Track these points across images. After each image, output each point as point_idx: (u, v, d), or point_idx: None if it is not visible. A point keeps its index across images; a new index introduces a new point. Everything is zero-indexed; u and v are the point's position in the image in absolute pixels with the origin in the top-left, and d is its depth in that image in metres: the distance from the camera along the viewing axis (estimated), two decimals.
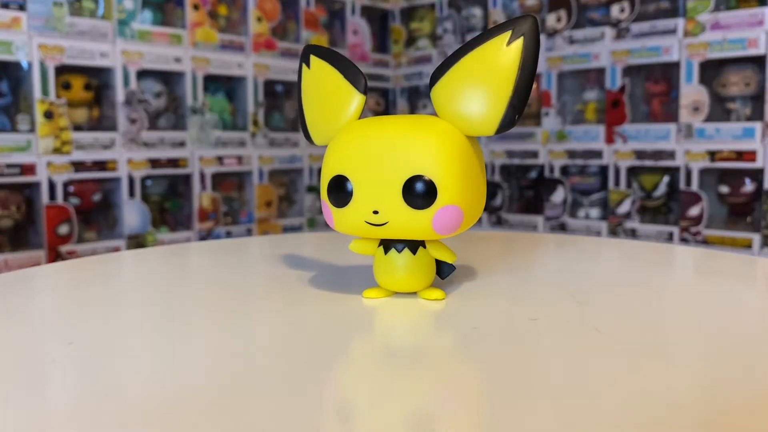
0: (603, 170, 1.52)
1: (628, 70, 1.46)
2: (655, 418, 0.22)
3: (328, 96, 0.38)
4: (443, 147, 0.34)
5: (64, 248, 1.25)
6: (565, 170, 1.57)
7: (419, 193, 0.34)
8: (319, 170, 1.69)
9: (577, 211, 1.57)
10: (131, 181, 1.34)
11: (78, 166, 1.27)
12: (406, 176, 0.34)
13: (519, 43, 0.34)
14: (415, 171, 0.34)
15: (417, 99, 1.88)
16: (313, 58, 0.39)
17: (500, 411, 0.23)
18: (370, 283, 0.41)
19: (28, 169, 1.20)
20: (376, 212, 0.35)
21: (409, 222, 0.34)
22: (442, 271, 0.39)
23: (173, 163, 1.41)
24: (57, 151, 1.24)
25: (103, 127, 1.34)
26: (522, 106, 0.34)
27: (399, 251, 0.37)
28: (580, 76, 1.56)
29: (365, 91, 0.37)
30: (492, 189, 1.69)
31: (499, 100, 0.34)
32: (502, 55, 0.34)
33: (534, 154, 1.61)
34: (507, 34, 0.34)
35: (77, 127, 1.29)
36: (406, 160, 0.34)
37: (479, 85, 0.34)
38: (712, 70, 1.36)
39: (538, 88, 1.62)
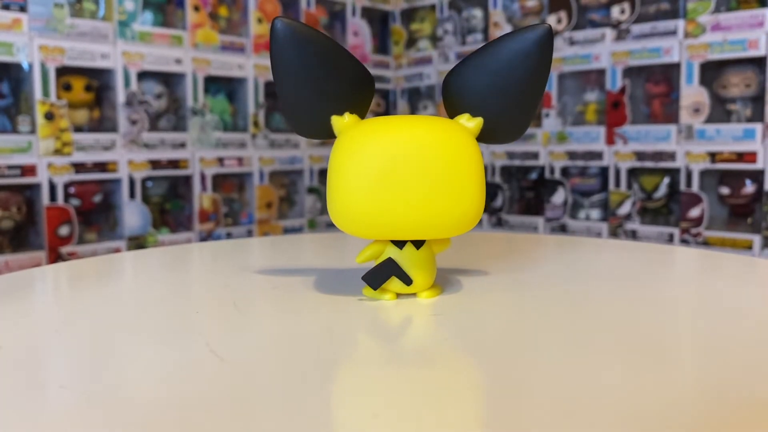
0: (603, 171, 1.52)
1: (629, 72, 1.46)
2: (655, 419, 0.22)
3: None
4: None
5: (64, 249, 1.25)
6: (565, 171, 1.57)
7: None
8: (319, 171, 1.70)
9: (578, 213, 1.57)
10: (132, 182, 1.34)
11: (78, 167, 1.27)
12: None
13: None
14: None
15: (417, 100, 1.88)
16: None
17: (500, 412, 0.23)
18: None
19: (28, 170, 1.20)
20: None
21: None
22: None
23: (174, 164, 1.41)
24: (58, 152, 1.24)
25: (104, 128, 1.34)
26: None
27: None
28: (581, 77, 1.56)
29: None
30: (492, 190, 1.69)
31: None
32: None
33: (534, 156, 1.61)
34: None
35: (78, 129, 1.29)
36: None
37: None
38: (712, 72, 1.36)
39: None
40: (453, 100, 0.38)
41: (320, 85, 0.36)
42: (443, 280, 0.43)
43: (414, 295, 0.39)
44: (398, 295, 0.39)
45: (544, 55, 0.35)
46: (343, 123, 0.37)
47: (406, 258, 0.37)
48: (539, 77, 0.36)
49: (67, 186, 1.26)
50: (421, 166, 0.35)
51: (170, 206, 1.46)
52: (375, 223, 0.36)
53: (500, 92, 0.37)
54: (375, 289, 0.38)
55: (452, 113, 0.38)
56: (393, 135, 0.36)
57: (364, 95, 0.38)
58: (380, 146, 0.35)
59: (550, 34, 0.35)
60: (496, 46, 0.36)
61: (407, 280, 0.37)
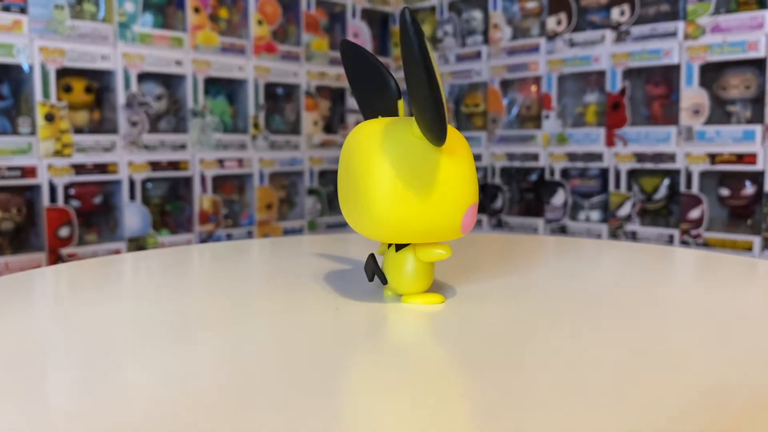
0: (603, 173, 1.52)
1: (629, 73, 1.47)
2: (655, 421, 0.22)
3: None
4: None
5: (64, 250, 1.25)
6: (565, 173, 1.58)
7: None
8: (320, 173, 1.70)
9: (578, 214, 1.57)
10: (132, 183, 1.35)
11: (79, 168, 1.27)
12: None
13: None
14: None
15: None
16: None
17: (501, 414, 0.23)
18: (369, 286, 0.41)
19: (29, 171, 1.20)
20: None
21: None
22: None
23: (174, 165, 1.41)
24: (58, 153, 1.24)
25: (104, 129, 1.34)
26: None
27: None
28: (581, 78, 1.56)
29: None
30: (493, 192, 1.69)
31: None
32: None
33: (534, 157, 1.61)
34: None
35: (78, 130, 1.29)
36: None
37: None
38: (712, 73, 1.36)
39: (538, 90, 1.62)
40: None
41: (367, 92, 0.41)
42: (441, 279, 0.43)
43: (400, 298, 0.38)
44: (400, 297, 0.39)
45: (405, 38, 0.32)
46: None
47: (387, 258, 0.38)
48: (413, 64, 0.32)
49: (67, 187, 1.26)
50: (349, 166, 0.36)
51: (170, 208, 1.46)
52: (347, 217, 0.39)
53: (408, 87, 0.35)
54: (369, 280, 0.40)
55: None
56: (351, 135, 0.38)
57: (393, 102, 0.40)
58: (345, 146, 0.38)
59: (404, 16, 0.31)
60: None
61: (383, 279, 0.38)
